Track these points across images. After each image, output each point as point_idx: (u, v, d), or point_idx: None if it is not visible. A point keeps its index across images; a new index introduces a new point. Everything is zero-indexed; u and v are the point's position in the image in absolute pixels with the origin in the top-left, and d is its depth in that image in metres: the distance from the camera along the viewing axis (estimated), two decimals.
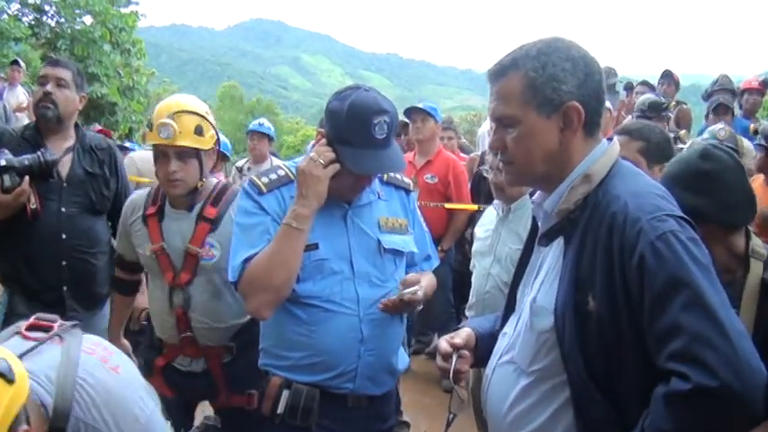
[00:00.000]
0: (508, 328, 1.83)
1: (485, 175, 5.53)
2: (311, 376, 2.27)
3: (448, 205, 5.34)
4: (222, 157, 6.32)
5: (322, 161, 2.17)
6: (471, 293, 3.39)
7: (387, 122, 2.18)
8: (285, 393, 2.28)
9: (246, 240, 2.22)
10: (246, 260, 2.17)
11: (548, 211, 1.70)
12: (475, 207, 4.97)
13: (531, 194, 1.88)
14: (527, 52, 1.64)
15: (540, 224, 1.79)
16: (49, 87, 3.28)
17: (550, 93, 1.60)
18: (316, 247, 2.25)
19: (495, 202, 3.31)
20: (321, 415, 2.27)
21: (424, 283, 2.35)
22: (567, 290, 1.57)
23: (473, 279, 3.38)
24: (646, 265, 1.43)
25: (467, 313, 3.44)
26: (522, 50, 1.65)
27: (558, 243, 1.68)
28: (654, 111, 5.92)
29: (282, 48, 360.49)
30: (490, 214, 3.41)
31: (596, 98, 1.64)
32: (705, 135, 5.53)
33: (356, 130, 2.17)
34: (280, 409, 2.28)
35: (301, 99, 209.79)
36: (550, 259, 1.71)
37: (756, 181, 3.65)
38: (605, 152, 1.66)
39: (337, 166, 2.18)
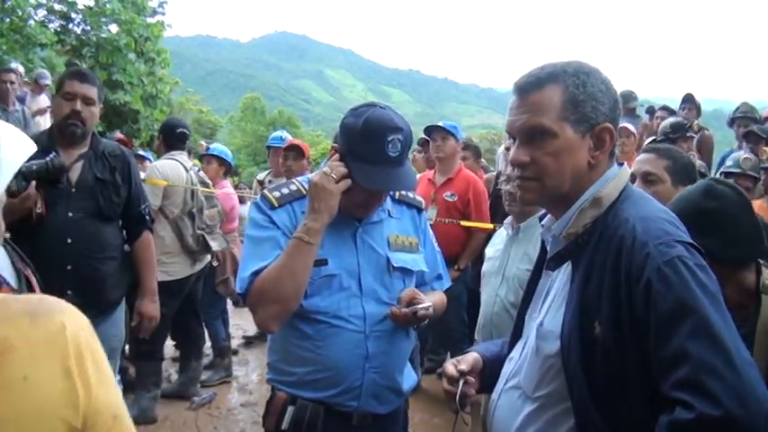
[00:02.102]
0: (515, 353, 1.81)
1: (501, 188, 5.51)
2: (316, 392, 2.25)
3: (464, 223, 5.28)
4: (225, 165, 6.32)
5: (334, 176, 2.17)
6: (480, 315, 3.33)
7: (400, 141, 2.18)
8: (290, 409, 2.27)
9: (256, 253, 2.21)
10: (255, 273, 2.17)
11: (556, 234, 1.69)
12: (490, 226, 4.88)
13: (541, 218, 1.85)
14: (564, 69, 1.61)
15: (548, 248, 1.76)
16: (78, 106, 3.32)
17: (590, 111, 1.59)
18: (325, 262, 2.24)
19: (506, 221, 3.26)
20: None
21: (434, 299, 2.35)
22: (574, 315, 1.54)
23: (482, 300, 3.33)
24: (652, 289, 1.40)
25: (476, 336, 3.37)
26: (558, 67, 1.62)
27: (566, 267, 1.66)
28: (677, 131, 5.95)
29: (306, 61, 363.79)
30: (501, 234, 3.36)
31: (617, 123, 1.66)
32: (729, 163, 5.44)
33: (370, 146, 2.16)
34: (284, 425, 2.26)
35: (323, 113, 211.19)
36: (558, 284, 1.69)
37: (756, 203, 3.64)
38: (616, 176, 1.65)
39: (349, 181, 2.19)
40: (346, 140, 2.23)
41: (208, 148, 6.85)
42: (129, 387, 4.32)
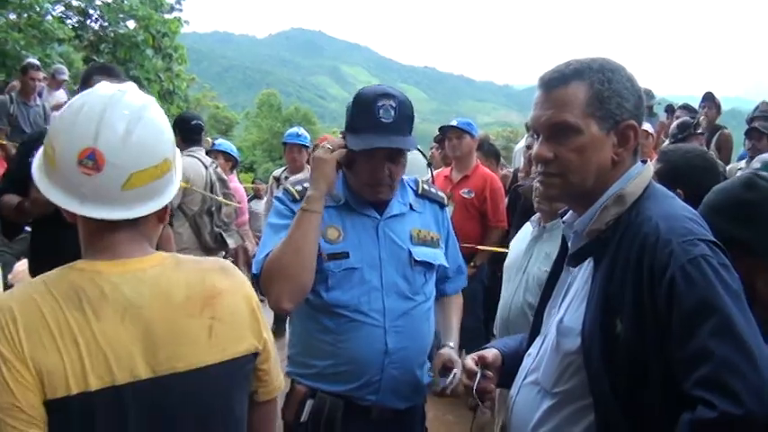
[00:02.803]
0: (533, 349, 1.82)
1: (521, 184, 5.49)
2: (335, 386, 2.27)
3: (480, 247, 5.26)
4: (231, 160, 6.34)
5: (330, 146, 2.23)
6: (498, 310, 3.33)
7: (393, 107, 2.20)
8: (309, 402, 2.29)
9: (272, 239, 2.25)
10: (268, 254, 2.20)
11: (578, 231, 1.69)
12: (500, 250, 4.83)
13: (562, 215, 1.85)
14: (589, 65, 1.62)
15: (569, 244, 1.76)
16: None
17: (615, 108, 1.59)
18: (346, 255, 2.26)
19: (533, 218, 3.23)
20: (345, 426, 2.27)
21: (455, 315, 2.47)
22: (595, 312, 1.54)
23: (502, 295, 3.32)
24: (675, 288, 1.40)
25: (494, 331, 3.38)
26: (583, 63, 1.63)
27: (588, 264, 1.66)
28: (683, 131, 6.01)
29: (322, 58, 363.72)
30: (526, 229, 3.32)
31: (642, 121, 1.65)
32: (756, 164, 5.38)
33: (361, 114, 2.23)
34: (303, 418, 2.28)
35: (338, 109, 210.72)
36: (579, 280, 1.69)
37: None
38: (640, 174, 1.65)
39: (344, 150, 2.22)
40: (346, 118, 2.30)
41: (213, 144, 6.88)
42: None
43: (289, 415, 2.33)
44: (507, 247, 3.69)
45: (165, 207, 1.56)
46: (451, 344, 2.46)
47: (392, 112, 2.19)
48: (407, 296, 2.31)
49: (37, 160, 1.58)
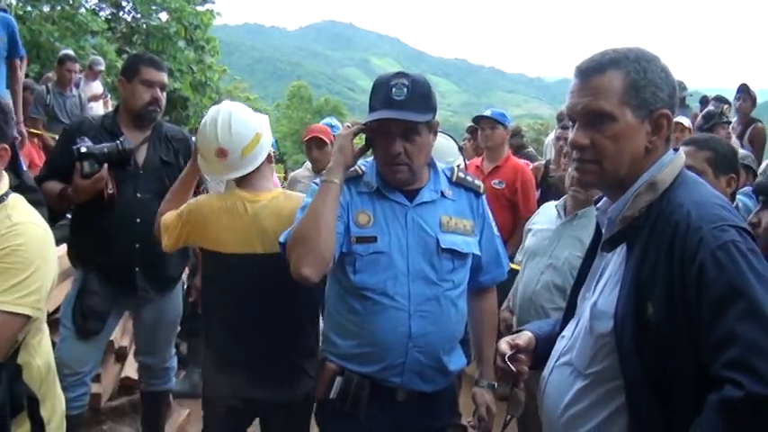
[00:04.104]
0: (567, 332, 1.86)
1: (551, 181, 5.48)
2: (361, 366, 2.34)
3: (513, 266, 5.23)
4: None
5: (349, 125, 2.38)
6: (513, 292, 3.31)
7: (406, 85, 2.26)
8: (338, 380, 2.36)
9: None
10: None
11: (612, 217, 1.72)
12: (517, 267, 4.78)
13: (596, 202, 1.88)
14: (626, 55, 1.65)
15: (603, 230, 1.80)
16: (158, 93, 3.49)
17: (650, 96, 1.63)
18: (374, 239, 2.32)
19: (558, 202, 3.23)
20: (371, 406, 2.34)
21: (490, 371, 2.49)
22: (628, 295, 1.58)
23: (519, 278, 3.31)
24: (705, 273, 1.44)
25: (501, 314, 3.35)
26: (619, 53, 1.66)
27: (621, 249, 1.70)
28: (708, 121, 6.06)
29: (352, 50, 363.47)
30: (549, 212, 3.31)
31: (675, 110, 1.69)
32: None
33: (377, 94, 2.31)
34: (332, 395, 2.36)
35: (368, 101, 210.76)
36: (613, 265, 1.73)
37: None
38: (672, 162, 1.68)
39: (360, 126, 2.35)
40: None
41: None
42: (181, 363, 4.45)
43: (319, 391, 2.41)
44: None
45: (269, 154, 2.86)
46: (485, 383, 2.53)
47: (404, 90, 2.25)
48: (434, 282, 2.35)
49: (199, 158, 2.88)
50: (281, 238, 2.33)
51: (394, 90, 2.25)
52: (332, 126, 6.28)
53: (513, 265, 3.37)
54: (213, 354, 2.86)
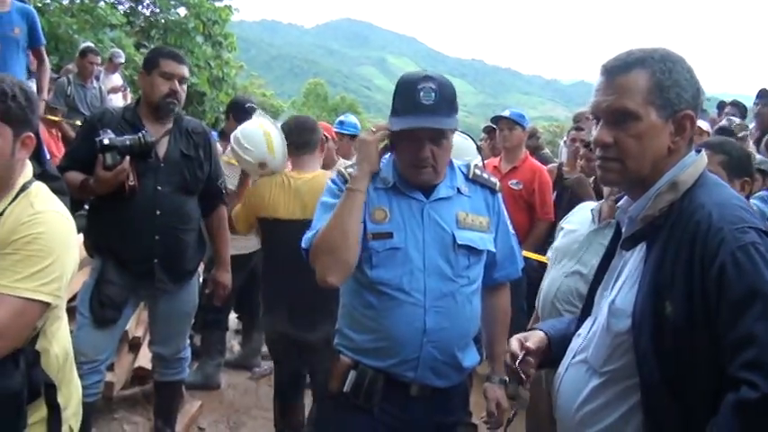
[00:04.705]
0: (583, 330, 1.86)
1: (566, 183, 5.47)
2: (376, 361, 2.35)
3: (526, 253, 5.23)
4: None
5: (373, 129, 2.35)
6: (544, 289, 3.31)
7: (433, 89, 2.24)
8: (352, 374, 2.38)
9: (323, 217, 2.34)
10: (318, 232, 2.31)
11: (632, 216, 1.72)
12: (544, 258, 4.78)
13: (617, 201, 1.88)
14: (651, 55, 1.65)
15: (623, 229, 1.80)
16: (176, 85, 3.49)
17: (674, 97, 1.63)
18: (390, 235, 2.33)
19: (595, 206, 3.21)
20: (385, 400, 2.35)
21: (501, 367, 2.49)
22: (646, 294, 1.59)
23: (546, 279, 3.31)
24: (725, 274, 1.45)
25: (537, 309, 3.37)
26: (645, 52, 1.67)
27: (641, 248, 1.70)
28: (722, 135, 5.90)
29: (369, 48, 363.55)
30: (583, 214, 3.28)
31: (698, 112, 1.69)
32: None
33: (403, 97, 2.29)
34: (346, 388, 2.37)
35: (384, 100, 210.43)
36: (632, 263, 1.73)
37: None
38: (694, 162, 1.68)
39: (386, 132, 2.32)
40: (391, 104, 2.36)
41: None
42: (194, 355, 4.49)
43: (333, 385, 2.42)
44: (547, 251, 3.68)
45: (321, 144, 3.75)
46: (497, 379, 2.56)
47: (433, 95, 2.23)
48: (450, 278, 2.35)
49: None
50: (304, 244, 2.34)
51: (422, 94, 2.23)
52: (342, 123, 6.23)
53: (544, 259, 3.38)
54: (263, 297, 3.78)
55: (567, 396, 1.79)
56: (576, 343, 1.86)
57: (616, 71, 1.67)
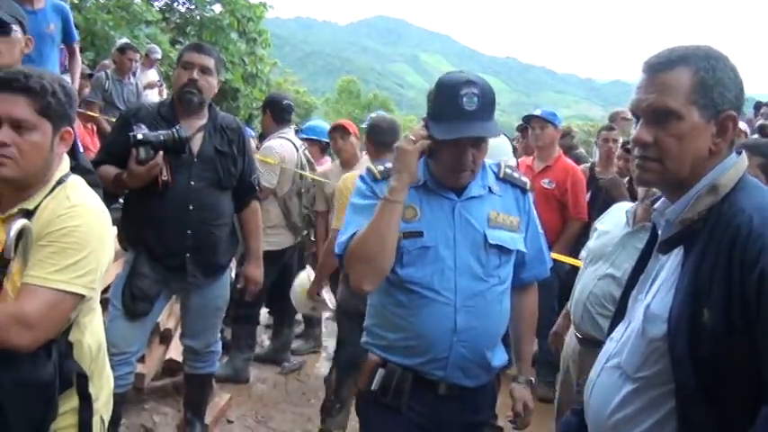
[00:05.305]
0: (616, 334, 1.82)
1: (600, 183, 5.42)
2: (405, 359, 2.35)
3: (555, 255, 5.19)
4: (320, 144, 6.26)
5: (413, 137, 2.26)
6: (576, 290, 3.28)
7: (476, 94, 2.20)
8: (380, 372, 2.38)
9: (355, 219, 2.33)
10: (351, 237, 2.28)
11: (670, 219, 1.68)
12: (575, 261, 4.74)
13: (653, 203, 1.84)
14: (695, 52, 1.61)
15: (659, 232, 1.76)
16: (195, 74, 3.49)
17: (717, 97, 1.58)
18: (420, 234, 2.31)
19: (629, 208, 3.17)
20: (413, 398, 2.35)
21: (528, 367, 2.57)
22: (683, 300, 1.54)
23: (578, 281, 3.28)
24: (765, 281, 1.40)
25: (569, 308, 3.36)
26: (689, 49, 1.62)
27: (678, 252, 1.66)
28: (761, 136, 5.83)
29: (402, 46, 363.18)
30: (618, 215, 3.25)
31: (741, 112, 1.65)
32: None
33: (445, 103, 2.24)
34: (374, 386, 2.37)
35: (416, 98, 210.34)
36: (668, 268, 1.68)
37: None
38: (734, 165, 1.63)
39: (427, 141, 2.26)
40: (428, 106, 2.32)
41: (300, 131, 6.85)
42: (224, 348, 4.54)
43: (361, 382, 2.44)
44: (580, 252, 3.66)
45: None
46: (523, 379, 2.55)
47: (475, 100, 2.20)
48: (480, 278, 2.34)
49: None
50: (337, 249, 2.33)
51: (465, 100, 2.19)
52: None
53: (574, 261, 3.36)
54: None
55: (600, 401, 1.75)
56: (609, 347, 1.82)
57: (658, 68, 1.62)
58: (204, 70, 3.51)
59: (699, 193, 1.61)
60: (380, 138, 4.04)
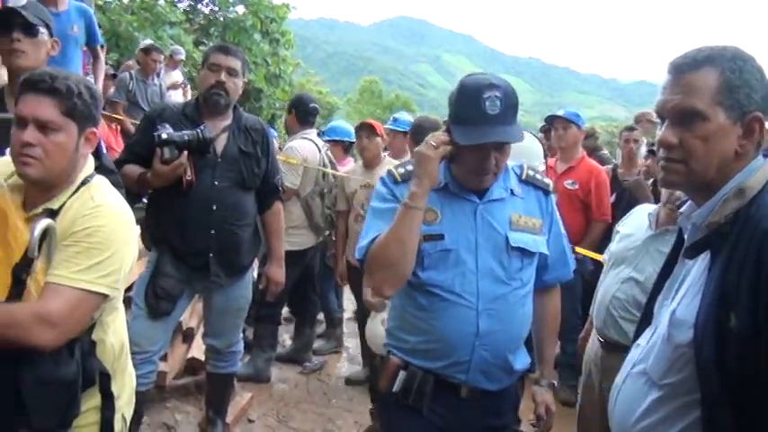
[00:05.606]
0: (642, 340, 1.80)
1: (625, 185, 5.38)
2: (426, 362, 2.33)
3: (579, 249, 5.15)
4: (343, 144, 6.25)
5: (434, 143, 2.22)
6: (599, 294, 3.25)
7: (498, 98, 2.17)
8: (401, 374, 2.36)
9: (376, 224, 2.31)
10: (372, 241, 2.26)
11: (696, 223, 1.65)
12: (600, 257, 4.71)
13: (678, 206, 1.82)
14: (721, 53, 1.58)
15: (686, 236, 1.73)
16: (222, 77, 3.51)
17: (743, 98, 1.55)
18: (441, 237, 2.29)
19: (652, 211, 3.14)
20: (434, 401, 2.33)
21: (550, 370, 2.57)
22: (710, 305, 1.51)
23: (601, 284, 3.25)
24: None
25: (591, 313, 3.34)
26: (715, 50, 1.59)
27: (705, 257, 1.63)
28: None
29: (425, 46, 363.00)
30: (640, 218, 3.21)
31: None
32: None
33: (467, 106, 2.20)
34: (395, 388, 2.36)
35: (438, 98, 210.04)
36: (695, 272, 1.65)
37: None
38: (761, 167, 1.60)
39: (448, 147, 2.23)
40: (449, 108, 2.29)
41: (323, 133, 6.84)
42: (246, 347, 4.56)
43: (382, 384, 2.42)
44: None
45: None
46: (545, 382, 2.53)
47: (498, 103, 2.16)
48: (503, 281, 2.32)
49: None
50: (358, 254, 2.32)
51: (488, 104, 2.16)
52: (396, 120, 6.18)
53: (599, 257, 3.32)
54: None
55: (626, 408, 1.73)
56: (635, 353, 1.80)
57: (684, 69, 1.60)
58: (231, 72, 3.53)
59: (725, 196, 1.58)
60: (421, 137, 4.05)
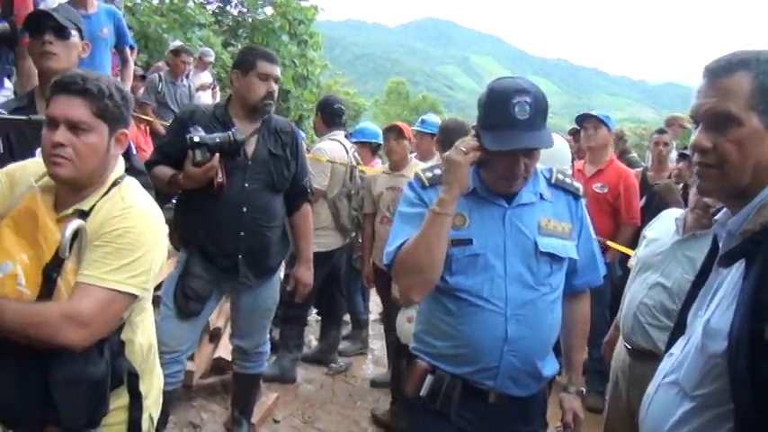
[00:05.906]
0: (675, 349, 1.77)
1: (655, 189, 5.32)
2: (454, 367, 2.32)
3: (610, 243, 5.11)
4: (371, 146, 6.22)
5: (464, 149, 2.20)
6: (626, 301, 3.22)
7: (528, 103, 2.14)
8: (429, 378, 2.35)
9: (403, 228, 2.30)
10: (400, 246, 2.25)
11: (731, 231, 1.62)
12: (631, 252, 4.67)
13: (714, 214, 1.78)
14: (757, 57, 1.55)
15: (720, 244, 1.70)
16: (273, 87, 3.57)
17: None
18: (470, 242, 2.28)
19: (679, 215, 3.09)
20: (462, 406, 2.32)
21: (579, 378, 2.55)
22: (745, 315, 1.47)
23: (628, 290, 3.22)
24: None
25: (618, 321, 3.31)
26: (750, 54, 1.56)
27: (740, 265, 1.59)
28: None
29: (452, 47, 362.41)
30: (667, 222, 3.17)
31: None
32: None
33: (497, 111, 2.18)
34: (422, 393, 2.35)
35: (465, 99, 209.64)
36: (729, 281, 1.61)
37: None
38: None
39: (478, 153, 2.21)
40: (478, 113, 2.26)
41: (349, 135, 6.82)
42: (272, 348, 4.58)
43: (409, 389, 2.41)
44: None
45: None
46: (573, 389, 2.52)
47: (527, 108, 2.14)
48: (531, 286, 2.30)
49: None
50: (385, 259, 2.32)
51: (517, 109, 2.14)
52: (424, 122, 6.16)
53: (631, 252, 3.27)
54: None
55: (657, 418, 1.70)
56: (667, 363, 1.76)
57: (719, 73, 1.56)
58: (276, 80, 3.59)
59: (762, 202, 1.54)
60: (448, 139, 4.04)
